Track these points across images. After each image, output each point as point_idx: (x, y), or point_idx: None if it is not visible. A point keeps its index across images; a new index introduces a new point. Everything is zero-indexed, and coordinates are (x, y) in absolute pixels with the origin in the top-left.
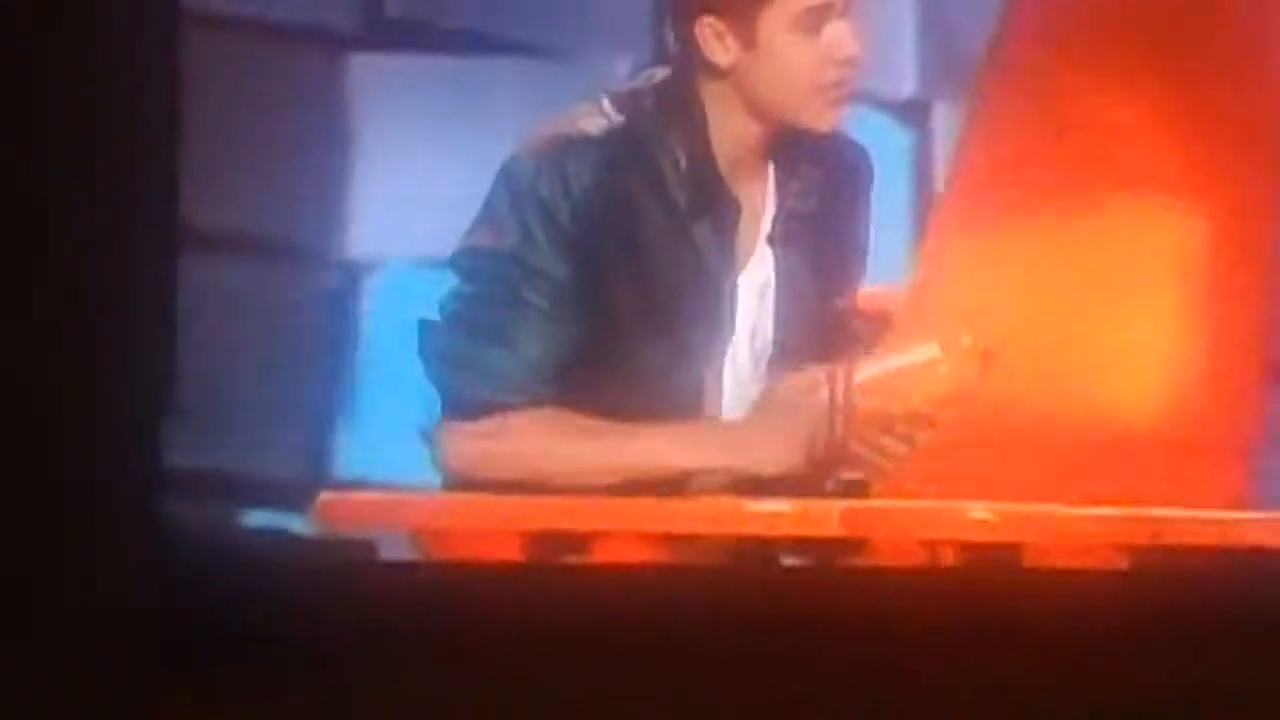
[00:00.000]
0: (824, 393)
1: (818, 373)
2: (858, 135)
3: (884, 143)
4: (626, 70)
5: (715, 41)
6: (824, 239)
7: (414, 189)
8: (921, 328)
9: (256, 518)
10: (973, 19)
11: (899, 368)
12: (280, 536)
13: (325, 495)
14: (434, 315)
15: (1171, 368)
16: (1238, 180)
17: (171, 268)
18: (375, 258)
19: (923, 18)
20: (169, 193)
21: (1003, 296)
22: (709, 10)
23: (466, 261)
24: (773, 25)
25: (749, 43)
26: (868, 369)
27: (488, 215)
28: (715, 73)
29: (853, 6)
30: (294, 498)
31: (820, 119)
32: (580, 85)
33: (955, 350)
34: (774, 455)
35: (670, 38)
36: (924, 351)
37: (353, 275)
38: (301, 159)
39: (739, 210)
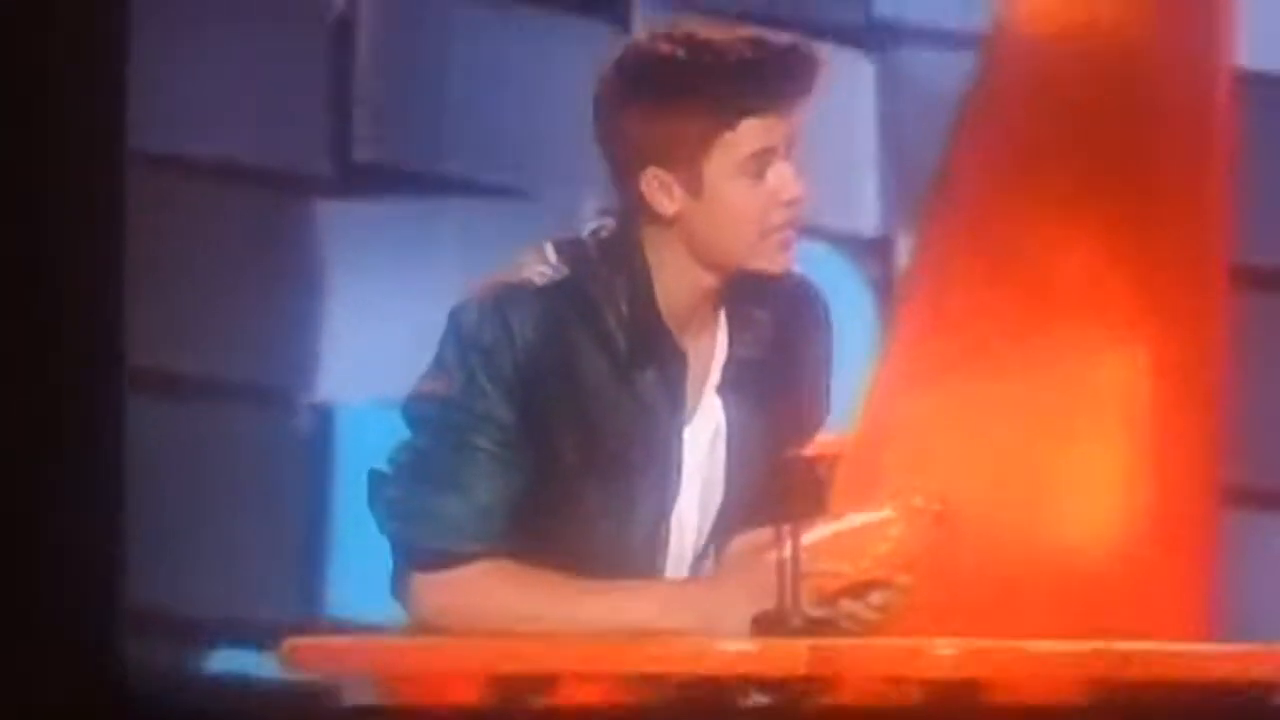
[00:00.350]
0: (773, 555)
1: (767, 533)
2: (819, 274)
3: (850, 281)
4: (594, 211)
5: (661, 193)
6: (776, 387)
7: (384, 331)
8: (869, 476)
9: (219, 660)
10: (929, 155)
11: (850, 529)
12: (243, 680)
13: (290, 640)
14: (384, 467)
15: (1123, 500)
16: (1179, 310)
17: (121, 407)
18: (343, 399)
19: (882, 154)
20: (117, 332)
21: (951, 438)
22: (654, 162)
23: (416, 410)
24: (718, 172)
25: (695, 191)
26: (818, 530)
27: (436, 363)
28: (661, 223)
29: (794, 148)
30: (257, 639)
31: (771, 262)
32: (552, 227)
33: (907, 512)
34: (730, 619)
35: (615, 189)
36: (875, 514)
37: (320, 417)
38: (269, 302)
39: (684, 360)
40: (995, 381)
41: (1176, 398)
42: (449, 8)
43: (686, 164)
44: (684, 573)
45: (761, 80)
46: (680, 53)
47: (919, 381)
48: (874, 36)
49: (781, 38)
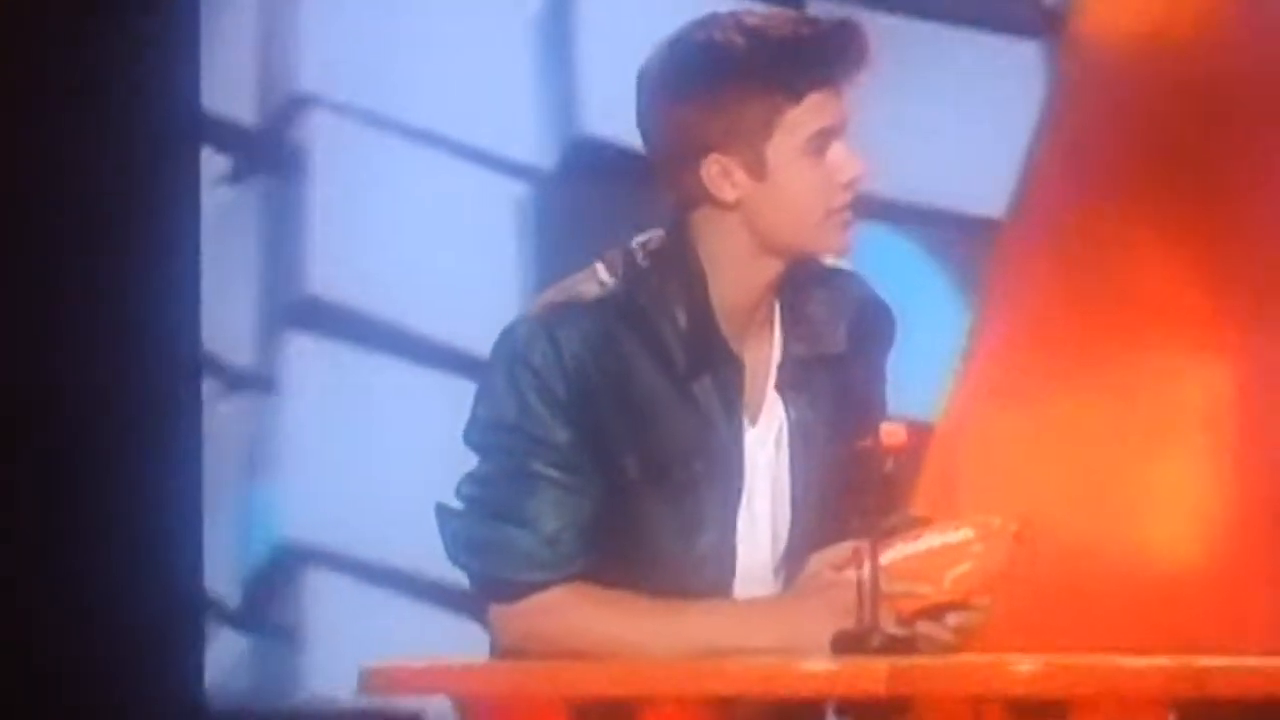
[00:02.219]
0: (851, 574)
1: (845, 550)
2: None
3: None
4: None
5: (722, 178)
6: (838, 381)
7: None
8: (949, 485)
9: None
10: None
11: (928, 549)
12: (326, 706)
13: (370, 664)
14: (452, 501)
15: (1207, 514)
16: (1264, 323)
17: None
18: None
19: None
20: None
21: (1032, 452)
22: (715, 148)
23: (475, 437)
24: (780, 153)
25: (758, 174)
26: (896, 550)
27: (486, 387)
28: (721, 210)
29: (848, 127)
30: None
31: (833, 243)
32: None
33: (986, 531)
34: (809, 639)
35: (666, 181)
36: (954, 534)
37: None
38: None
39: (740, 366)
40: (1077, 395)
41: (1261, 411)
42: None
43: (749, 147)
44: (761, 579)
45: (818, 56)
46: (736, 38)
47: (1000, 394)
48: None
49: (830, 16)
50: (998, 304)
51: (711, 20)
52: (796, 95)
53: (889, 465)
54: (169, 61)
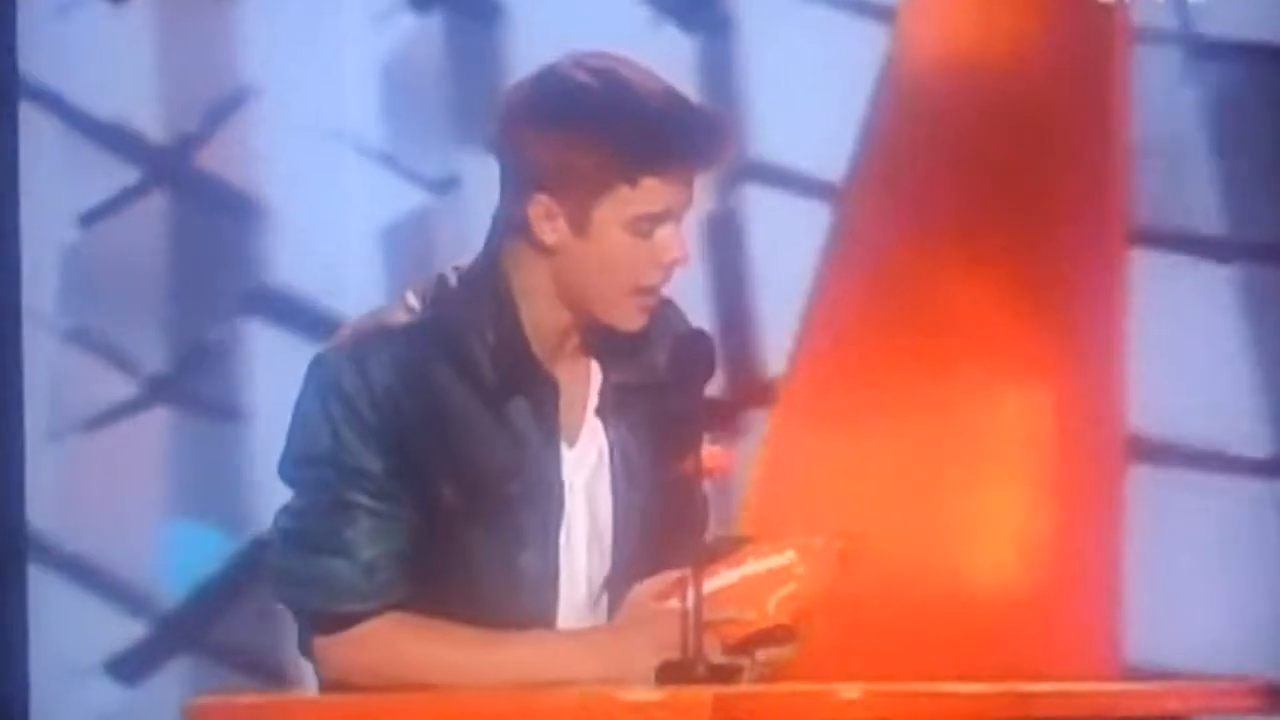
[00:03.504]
0: (675, 603)
1: (670, 579)
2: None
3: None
4: None
5: (545, 221)
6: (658, 409)
7: None
8: (773, 513)
9: None
10: None
11: (753, 573)
12: None
13: (195, 701)
14: (270, 534)
15: (1027, 539)
16: (1081, 342)
17: None
18: None
19: None
20: None
21: (854, 478)
22: (545, 189)
23: (290, 471)
24: (605, 220)
25: (579, 230)
26: (721, 577)
27: (298, 419)
28: (538, 250)
29: (686, 211)
30: None
31: (627, 321)
32: None
33: (809, 554)
34: (634, 668)
35: (501, 203)
36: (777, 558)
37: None
38: None
39: (555, 387)
40: (894, 419)
41: (1077, 433)
42: None
43: (576, 200)
44: (579, 605)
45: (674, 140)
46: (597, 86)
47: (821, 421)
48: None
49: (703, 104)
50: (815, 328)
51: (590, 59)
52: (638, 172)
53: (704, 489)
54: None
